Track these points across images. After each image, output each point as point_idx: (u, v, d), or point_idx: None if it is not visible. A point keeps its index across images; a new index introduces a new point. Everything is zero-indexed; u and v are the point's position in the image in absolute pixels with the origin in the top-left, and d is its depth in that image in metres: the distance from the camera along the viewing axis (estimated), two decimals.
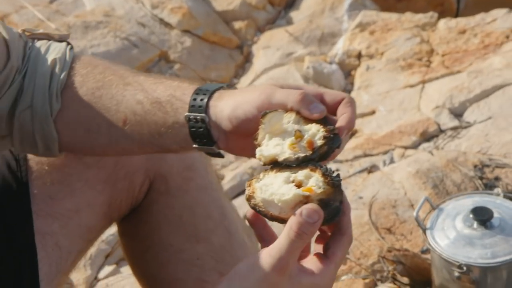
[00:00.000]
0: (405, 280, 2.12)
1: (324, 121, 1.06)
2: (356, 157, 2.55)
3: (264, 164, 1.04)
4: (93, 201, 1.46)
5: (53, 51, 1.31)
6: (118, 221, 1.56)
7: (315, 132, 1.04)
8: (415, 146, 2.56)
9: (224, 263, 1.53)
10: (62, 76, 1.28)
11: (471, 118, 2.63)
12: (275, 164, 1.04)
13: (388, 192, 2.33)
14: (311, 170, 1.01)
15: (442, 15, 3.36)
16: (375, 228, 2.21)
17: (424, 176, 2.32)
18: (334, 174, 1.00)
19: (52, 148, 1.32)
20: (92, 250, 2.17)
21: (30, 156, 1.43)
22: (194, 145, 1.19)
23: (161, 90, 1.22)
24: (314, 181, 1.00)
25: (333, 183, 0.99)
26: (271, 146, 1.05)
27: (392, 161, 2.51)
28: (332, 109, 1.10)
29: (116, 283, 2.08)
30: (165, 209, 1.52)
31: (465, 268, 1.82)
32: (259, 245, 1.12)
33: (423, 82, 2.86)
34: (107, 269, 2.15)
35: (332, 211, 1.00)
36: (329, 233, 1.07)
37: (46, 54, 1.31)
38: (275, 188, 1.00)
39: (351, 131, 1.11)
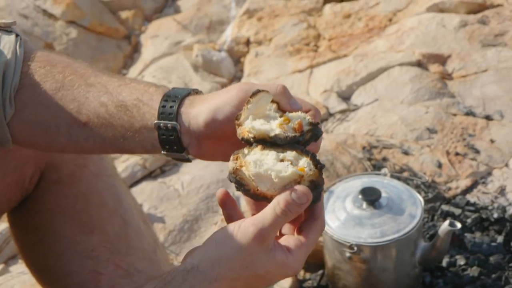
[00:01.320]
0: None
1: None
2: None
3: (254, 138, 1.07)
4: None
5: (3, 49, 1.25)
6: (8, 211, 1.52)
7: (303, 118, 1.08)
8: None
9: (120, 253, 1.52)
10: (14, 81, 1.24)
11: (359, 101, 2.68)
12: (260, 142, 1.07)
13: None
14: (298, 152, 1.05)
15: (327, 0, 3.41)
16: None
17: None
18: (317, 158, 1.05)
19: (4, 145, 1.29)
20: None
21: None
22: (162, 152, 1.18)
23: (126, 94, 1.20)
24: (305, 163, 1.03)
25: (320, 166, 1.04)
26: (258, 124, 1.07)
27: None
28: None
29: (5, 282, 2.01)
30: (57, 199, 1.50)
31: (355, 248, 1.86)
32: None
33: (311, 66, 2.90)
34: None
35: (318, 194, 1.05)
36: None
37: None
38: (270, 164, 1.04)
39: None
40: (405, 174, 2.32)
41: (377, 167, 2.35)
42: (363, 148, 2.42)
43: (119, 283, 1.50)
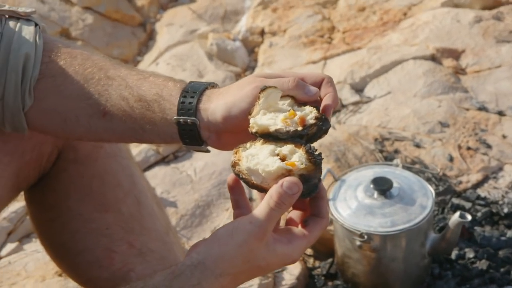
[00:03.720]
0: (309, 251, 2.16)
1: (316, 107, 1.12)
2: None
3: (256, 133, 1.09)
4: (0, 174, 1.43)
5: (25, 41, 1.27)
6: (25, 189, 1.54)
7: (308, 113, 1.10)
8: None
9: (133, 233, 1.54)
10: (35, 73, 1.27)
11: (372, 93, 2.69)
12: (264, 136, 1.09)
13: None
14: (296, 146, 1.07)
15: None
16: None
17: (327, 150, 2.37)
18: (317, 153, 1.06)
19: (19, 132, 1.33)
20: None
21: None
22: (183, 144, 1.22)
23: (146, 88, 1.23)
24: (297, 157, 1.06)
25: (315, 161, 1.05)
26: (265, 119, 1.10)
27: None
28: None
29: (19, 260, 2.04)
30: (74, 178, 1.52)
31: (366, 236, 1.87)
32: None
33: (325, 58, 2.91)
34: (10, 246, 2.11)
35: (310, 186, 1.07)
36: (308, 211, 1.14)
37: (18, 42, 1.28)
38: (261, 158, 1.06)
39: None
40: (417, 166, 2.33)
41: (388, 159, 2.36)
42: (375, 139, 2.44)
43: (132, 261, 1.52)
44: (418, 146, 2.42)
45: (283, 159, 1.07)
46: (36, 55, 1.28)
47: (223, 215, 2.22)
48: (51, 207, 1.54)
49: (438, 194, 2.26)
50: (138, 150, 2.43)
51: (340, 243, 1.98)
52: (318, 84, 1.17)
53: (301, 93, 1.15)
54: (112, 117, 1.25)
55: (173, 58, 3.03)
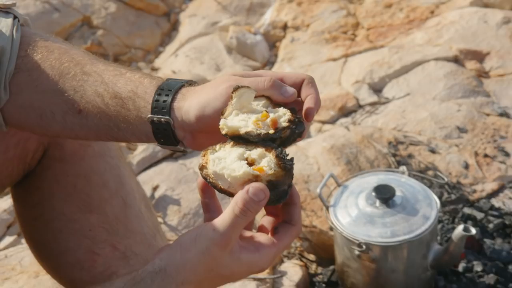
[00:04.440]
0: (311, 257, 2.10)
1: (292, 109, 1.07)
2: None
3: (226, 135, 1.05)
4: None
5: (1, 35, 1.24)
6: (11, 186, 1.52)
7: (281, 115, 1.04)
8: (333, 120, 2.54)
9: (118, 235, 1.51)
10: (10, 67, 1.24)
11: (390, 94, 2.62)
12: (234, 138, 1.04)
13: (302, 167, 2.31)
14: (267, 150, 1.02)
15: None
16: None
17: (339, 152, 2.31)
18: (288, 158, 1.01)
19: None
20: None
21: None
22: (158, 144, 1.18)
23: (121, 84, 1.19)
24: (266, 162, 1.00)
25: (285, 166, 1.00)
26: (236, 120, 1.05)
27: (309, 135, 2.49)
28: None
29: (16, 254, 2.02)
30: (58, 176, 1.49)
31: (364, 246, 1.81)
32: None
33: (346, 55, 2.83)
34: (8, 239, 2.10)
35: (279, 193, 1.02)
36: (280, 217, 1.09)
37: None
38: (228, 162, 1.02)
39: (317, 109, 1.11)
40: (429, 173, 2.25)
41: (401, 164, 2.29)
42: (389, 143, 2.36)
43: (115, 264, 1.49)
44: (433, 151, 2.34)
45: (251, 163, 1.02)
46: (12, 49, 1.24)
47: None
48: (35, 205, 1.51)
49: (449, 202, 2.18)
50: (142, 148, 2.40)
51: (339, 251, 1.92)
52: (298, 85, 1.11)
53: (277, 94, 1.09)
54: (87, 114, 1.21)
55: (192, 51, 2.99)
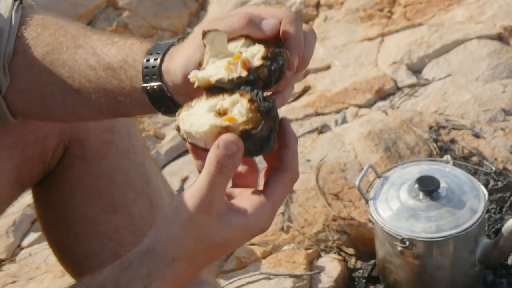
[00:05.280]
0: (350, 251, 2.00)
1: (277, 44, 0.94)
2: (307, 116, 2.41)
3: (198, 87, 0.94)
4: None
5: (0, 16, 1.17)
6: (32, 186, 1.45)
7: (255, 53, 0.93)
8: (369, 104, 2.42)
9: (144, 236, 1.42)
10: (8, 48, 1.16)
11: (430, 75, 2.49)
12: (210, 90, 0.93)
13: (338, 154, 2.20)
14: (241, 95, 0.90)
15: None
16: (322, 194, 2.08)
17: (377, 138, 2.19)
18: (266, 100, 0.89)
19: (5, 119, 1.22)
20: (16, 216, 2.04)
21: None
22: (160, 113, 1.08)
23: (113, 54, 1.10)
24: (237, 108, 0.89)
25: (259, 109, 0.88)
26: (210, 69, 0.93)
27: (344, 120, 2.37)
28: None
29: (41, 252, 1.95)
30: (81, 176, 1.41)
31: (407, 242, 1.70)
32: None
33: (382, 35, 2.70)
34: (32, 236, 2.02)
35: (257, 141, 0.90)
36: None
37: None
38: (197, 118, 0.91)
39: (304, 58, 0.97)
40: (474, 159, 2.13)
41: (443, 150, 2.17)
42: (430, 127, 2.24)
43: None
44: (477, 136, 2.21)
45: (224, 113, 0.90)
46: (11, 30, 1.16)
47: None
48: (56, 207, 1.44)
49: (496, 190, 2.05)
50: (174, 133, 2.30)
51: (380, 246, 1.81)
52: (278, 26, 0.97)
53: (256, 30, 0.96)
54: (85, 91, 1.12)
55: None
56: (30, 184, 1.43)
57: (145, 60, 1.05)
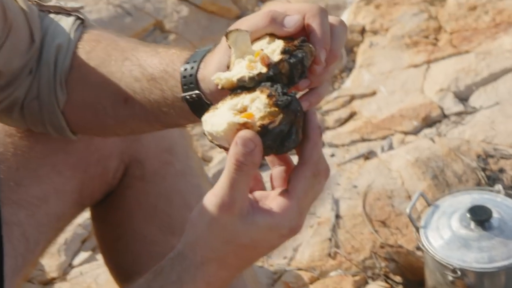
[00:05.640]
0: (397, 279, 1.99)
1: (302, 39, 0.93)
2: (353, 142, 2.41)
3: (223, 89, 0.93)
4: (61, 188, 1.37)
5: (60, 33, 1.21)
6: (91, 205, 1.47)
7: (275, 48, 0.92)
8: (416, 131, 2.42)
9: None
10: (65, 64, 1.19)
11: (477, 103, 2.48)
12: (234, 90, 0.92)
13: (385, 181, 2.20)
14: (261, 91, 0.89)
15: None
16: (369, 221, 2.08)
17: (424, 166, 2.19)
18: (285, 93, 0.88)
19: (64, 135, 1.25)
20: (68, 235, 2.06)
21: None
22: None
23: (155, 65, 1.11)
24: (255, 104, 0.88)
25: (277, 103, 0.87)
26: (235, 69, 0.93)
27: (391, 147, 2.37)
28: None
29: (91, 271, 1.97)
30: (139, 196, 1.43)
31: (459, 272, 1.70)
32: None
33: (429, 62, 2.70)
34: (83, 255, 2.05)
35: (276, 136, 0.88)
36: None
37: (53, 34, 1.21)
38: (217, 118, 0.90)
39: (332, 51, 0.95)
40: None
41: (492, 179, 2.16)
42: (478, 156, 2.23)
43: None
44: None
45: (244, 111, 0.89)
46: (70, 45, 1.19)
47: (306, 233, 2.08)
48: (115, 226, 1.47)
49: None
50: (218, 159, 2.32)
51: (430, 275, 1.81)
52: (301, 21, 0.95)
53: (279, 28, 0.94)
54: (132, 102, 1.14)
55: None
56: (90, 204, 1.46)
57: (182, 69, 1.06)
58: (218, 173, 2.29)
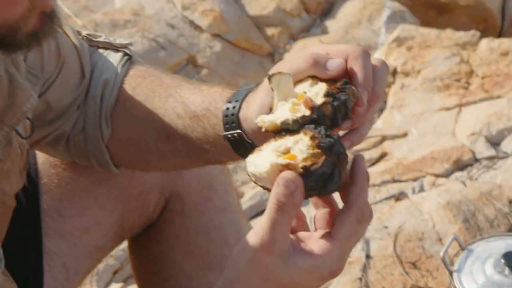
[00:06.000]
0: None
1: (345, 82, 0.94)
2: (384, 182, 2.43)
3: (266, 131, 0.94)
4: (103, 220, 1.40)
5: (107, 68, 1.24)
6: (129, 238, 1.50)
7: (318, 91, 0.93)
8: (447, 174, 2.43)
9: None
10: (111, 99, 1.22)
11: (509, 149, 2.49)
12: (278, 133, 0.94)
13: (416, 223, 2.20)
14: (305, 134, 0.90)
15: (485, 32, 3.21)
16: (399, 262, 2.09)
17: (455, 209, 2.20)
18: (328, 136, 0.89)
19: (107, 169, 1.28)
20: (100, 266, 2.07)
21: (40, 166, 1.36)
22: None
23: (197, 103, 1.14)
24: (298, 146, 0.90)
25: (320, 145, 0.88)
26: (278, 112, 0.94)
27: (422, 189, 2.39)
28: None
29: None
30: (178, 231, 1.45)
31: None
32: None
33: (460, 105, 2.72)
34: (114, 286, 2.06)
35: (319, 178, 0.89)
36: None
37: (101, 69, 1.25)
38: (261, 159, 0.91)
39: (374, 92, 0.97)
40: None
41: None
42: (510, 201, 2.24)
43: None
44: None
45: (287, 153, 0.91)
46: (116, 80, 1.22)
47: None
48: (153, 259, 1.48)
49: None
50: (253, 192, 2.33)
51: None
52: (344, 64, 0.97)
53: (321, 70, 0.96)
54: (175, 139, 1.16)
55: None
56: (129, 236, 1.48)
57: (224, 108, 1.08)
58: (249, 209, 2.31)
